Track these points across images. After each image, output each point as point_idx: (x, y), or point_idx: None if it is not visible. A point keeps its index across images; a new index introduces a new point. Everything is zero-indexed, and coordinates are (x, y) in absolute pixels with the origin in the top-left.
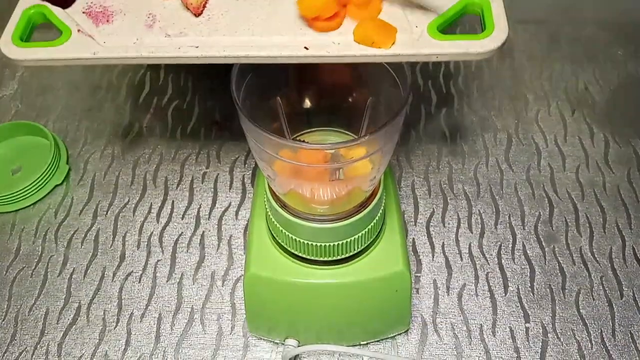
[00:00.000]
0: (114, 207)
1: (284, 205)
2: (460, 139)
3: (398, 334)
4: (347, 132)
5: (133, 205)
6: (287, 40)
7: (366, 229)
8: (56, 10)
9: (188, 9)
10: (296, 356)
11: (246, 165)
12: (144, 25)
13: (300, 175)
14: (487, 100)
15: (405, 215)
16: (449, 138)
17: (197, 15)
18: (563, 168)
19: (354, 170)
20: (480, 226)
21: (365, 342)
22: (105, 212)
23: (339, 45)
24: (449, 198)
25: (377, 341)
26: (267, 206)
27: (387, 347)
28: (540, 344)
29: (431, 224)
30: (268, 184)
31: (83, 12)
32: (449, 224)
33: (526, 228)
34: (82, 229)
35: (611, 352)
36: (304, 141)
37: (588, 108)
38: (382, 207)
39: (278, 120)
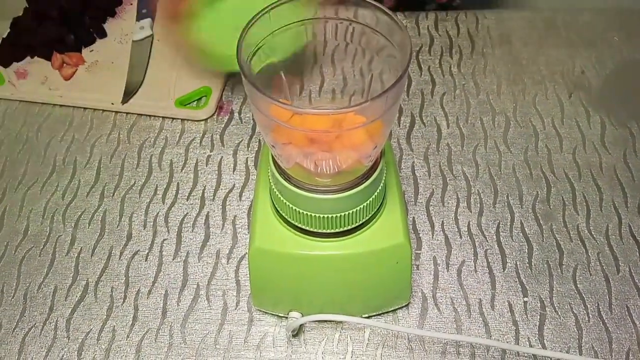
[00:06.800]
0: (121, 189)
1: (288, 178)
2: (459, 122)
3: (399, 308)
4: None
5: (139, 187)
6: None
7: (368, 201)
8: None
9: (63, 75)
10: (299, 330)
11: (249, 149)
12: (40, 83)
13: (304, 144)
14: (486, 85)
15: (406, 195)
16: (448, 121)
17: (67, 79)
18: (560, 149)
19: (355, 138)
20: (479, 205)
21: (366, 316)
22: (112, 194)
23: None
24: (448, 179)
25: (379, 314)
26: (271, 181)
27: (388, 320)
28: (539, 317)
29: (431, 203)
30: (273, 159)
31: (14, 71)
32: (448, 203)
33: (524, 207)
34: (90, 210)
35: (608, 324)
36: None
37: (584, 91)
38: (383, 180)
39: (282, 96)
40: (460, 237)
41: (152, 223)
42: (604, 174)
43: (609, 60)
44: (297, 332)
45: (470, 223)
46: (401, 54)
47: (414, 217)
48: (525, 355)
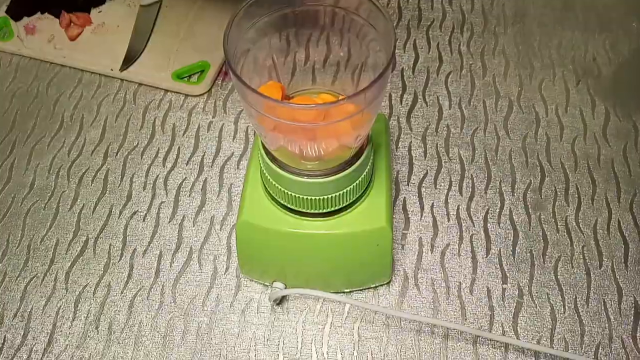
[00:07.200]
0: (124, 149)
1: (274, 159)
2: (461, 104)
3: (380, 285)
4: (340, 93)
5: (142, 149)
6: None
7: (352, 185)
8: (11, 21)
9: (68, 35)
10: (283, 299)
11: None
12: (47, 41)
13: (285, 132)
14: (493, 66)
15: (399, 175)
16: (451, 102)
17: (72, 40)
18: (560, 138)
19: (339, 128)
20: (470, 190)
21: (348, 290)
22: (115, 154)
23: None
24: (443, 161)
25: (360, 290)
26: (260, 158)
27: (368, 296)
28: (515, 304)
29: (423, 185)
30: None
31: (23, 26)
32: (440, 185)
33: (515, 194)
34: (93, 168)
35: (582, 317)
36: (290, 97)
37: (593, 79)
38: (369, 165)
39: (273, 77)
40: (448, 220)
41: (151, 185)
42: (601, 167)
43: (623, 48)
44: (281, 301)
45: (460, 207)
46: (385, 45)
47: (404, 197)
48: (497, 341)
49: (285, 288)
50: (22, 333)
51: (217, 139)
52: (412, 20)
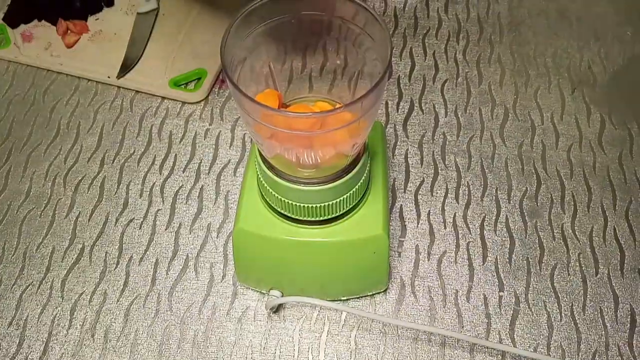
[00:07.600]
0: (120, 156)
1: (270, 167)
2: (457, 112)
3: (377, 293)
4: (337, 101)
5: (138, 156)
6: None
7: (349, 193)
8: (8, 28)
9: (65, 43)
10: (279, 307)
11: None
12: (44, 48)
13: (282, 140)
14: (489, 74)
15: (396, 183)
16: (447, 110)
17: (69, 47)
18: (555, 146)
19: (336, 136)
20: (467, 197)
21: (345, 298)
22: (111, 161)
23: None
24: (440, 169)
25: (357, 298)
26: (257, 166)
27: (365, 304)
28: (512, 312)
29: (420, 192)
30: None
31: (20, 34)
32: (437, 193)
33: (511, 202)
34: (89, 175)
35: (579, 325)
36: (286, 105)
37: (589, 87)
38: (365, 173)
39: (270, 85)
40: (445, 228)
41: (148, 192)
42: (597, 175)
43: (617, 56)
44: (278, 308)
45: (456, 215)
46: (381, 53)
47: (401, 205)
48: (494, 349)
49: (282, 296)
50: (17, 341)
51: (214, 146)
52: (409, 28)
